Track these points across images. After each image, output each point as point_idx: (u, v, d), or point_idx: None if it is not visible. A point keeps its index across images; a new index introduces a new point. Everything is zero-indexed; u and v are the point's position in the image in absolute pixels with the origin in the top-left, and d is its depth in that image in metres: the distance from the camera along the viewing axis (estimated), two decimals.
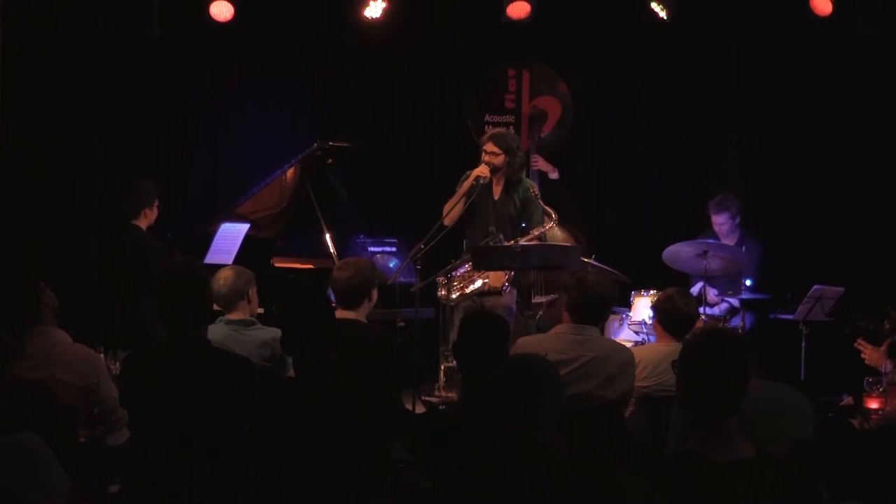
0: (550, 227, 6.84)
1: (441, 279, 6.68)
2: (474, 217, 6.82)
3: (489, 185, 6.77)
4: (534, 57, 9.06)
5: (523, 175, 6.96)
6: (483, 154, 6.77)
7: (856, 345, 5.79)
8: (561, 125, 9.05)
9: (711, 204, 7.95)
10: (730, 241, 7.95)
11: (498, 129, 7.25)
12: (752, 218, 8.34)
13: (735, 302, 7.78)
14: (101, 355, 5.00)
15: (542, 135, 8.83)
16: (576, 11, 8.73)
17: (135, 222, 7.00)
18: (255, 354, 4.81)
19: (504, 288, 6.67)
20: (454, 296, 6.63)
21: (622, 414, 4.71)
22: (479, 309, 6.44)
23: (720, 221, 7.91)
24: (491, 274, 6.62)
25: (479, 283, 6.65)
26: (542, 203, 6.87)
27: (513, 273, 6.70)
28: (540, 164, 8.53)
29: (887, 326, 6.22)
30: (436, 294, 6.83)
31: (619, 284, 6.15)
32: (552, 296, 7.55)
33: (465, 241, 6.90)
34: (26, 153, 8.14)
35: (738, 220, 7.94)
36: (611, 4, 8.70)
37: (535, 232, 6.74)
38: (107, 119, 8.46)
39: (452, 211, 6.70)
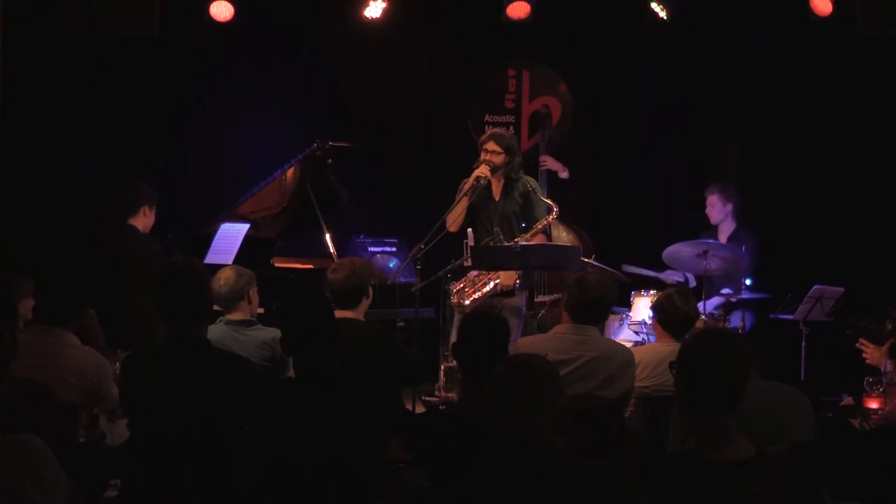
0: (553, 218, 6.82)
1: (454, 287, 6.65)
2: (477, 219, 6.80)
3: (488, 187, 6.75)
4: (534, 57, 9.07)
5: (521, 173, 6.94)
6: (483, 153, 6.74)
7: (858, 344, 5.79)
8: (561, 125, 9.05)
9: (708, 185, 8.10)
10: (724, 230, 7.98)
11: (497, 129, 7.23)
12: (752, 218, 8.34)
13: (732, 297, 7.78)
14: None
15: (551, 133, 8.82)
16: (576, 11, 8.74)
17: (132, 222, 6.99)
18: (255, 355, 4.81)
19: (516, 286, 6.66)
20: (467, 302, 6.61)
21: (622, 414, 4.75)
22: (480, 308, 6.42)
23: (710, 202, 8.03)
24: (502, 274, 6.61)
25: (491, 285, 6.63)
26: (542, 197, 6.88)
27: (521, 273, 6.69)
28: (549, 163, 8.53)
29: (889, 326, 6.22)
30: (436, 294, 6.81)
31: (619, 284, 6.15)
32: (555, 295, 7.54)
33: (465, 242, 6.88)
34: (26, 153, 8.15)
35: (730, 207, 8.00)
36: (611, 4, 8.71)
37: (539, 226, 6.72)
38: (107, 119, 8.47)
39: (454, 215, 6.67)
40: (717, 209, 8.01)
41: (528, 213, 6.80)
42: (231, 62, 8.79)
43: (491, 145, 6.73)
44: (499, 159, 6.70)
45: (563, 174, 8.56)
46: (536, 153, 8.61)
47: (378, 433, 3.69)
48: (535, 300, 7.21)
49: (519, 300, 6.72)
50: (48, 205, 8.19)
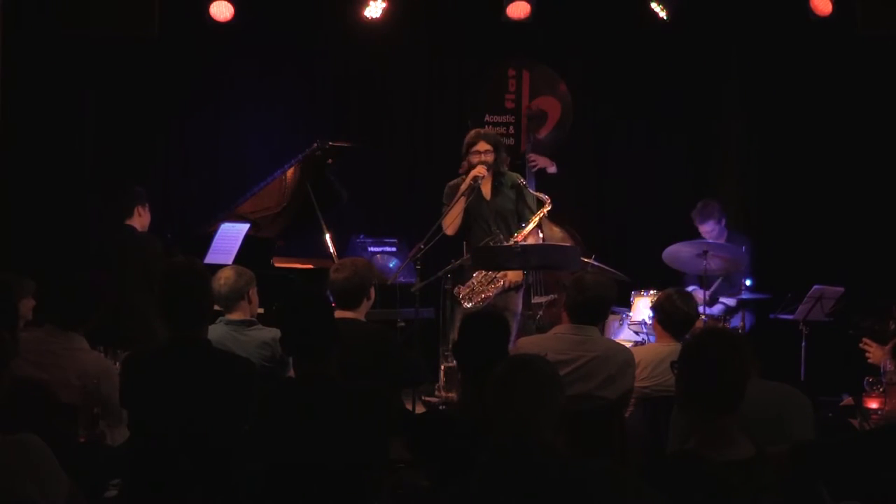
0: (548, 210, 6.81)
1: (462, 290, 6.64)
2: (473, 220, 6.80)
3: (477, 187, 6.76)
4: (534, 57, 9.07)
5: (506, 169, 6.96)
6: (473, 156, 6.73)
7: (861, 344, 5.78)
8: (561, 125, 9.05)
9: (694, 215, 7.93)
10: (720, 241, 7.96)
11: (480, 129, 7.23)
12: (752, 217, 8.32)
13: (731, 302, 7.76)
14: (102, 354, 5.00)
15: (539, 136, 8.84)
16: (576, 11, 8.74)
17: (129, 222, 7.00)
18: (255, 355, 4.81)
19: (524, 280, 6.68)
20: (470, 304, 6.59)
21: (622, 414, 4.75)
22: (480, 308, 6.42)
23: (707, 230, 7.88)
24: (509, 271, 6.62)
25: (500, 283, 6.63)
26: (532, 191, 6.90)
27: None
28: (539, 161, 8.54)
29: (892, 327, 6.22)
30: (436, 294, 6.81)
31: (619, 284, 6.14)
32: (551, 296, 7.54)
33: (464, 243, 6.88)
34: (26, 153, 8.15)
35: (723, 221, 7.93)
36: (611, 4, 8.71)
37: (536, 217, 6.72)
38: (106, 119, 8.46)
39: (450, 217, 6.66)
40: (717, 231, 7.92)
41: (520, 206, 6.81)
42: (231, 62, 8.79)
43: (482, 145, 6.74)
44: (491, 157, 6.73)
45: (551, 169, 8.57)
46: (524, 154, 8.63)
47: (378, 433, 3.69)
48: (532, 301, 7.21)
49: (515, 301, 6.73)
50: (48, 205, 8.18)
